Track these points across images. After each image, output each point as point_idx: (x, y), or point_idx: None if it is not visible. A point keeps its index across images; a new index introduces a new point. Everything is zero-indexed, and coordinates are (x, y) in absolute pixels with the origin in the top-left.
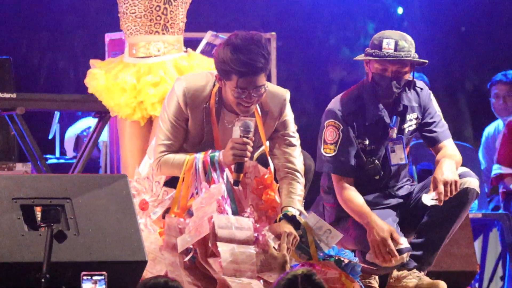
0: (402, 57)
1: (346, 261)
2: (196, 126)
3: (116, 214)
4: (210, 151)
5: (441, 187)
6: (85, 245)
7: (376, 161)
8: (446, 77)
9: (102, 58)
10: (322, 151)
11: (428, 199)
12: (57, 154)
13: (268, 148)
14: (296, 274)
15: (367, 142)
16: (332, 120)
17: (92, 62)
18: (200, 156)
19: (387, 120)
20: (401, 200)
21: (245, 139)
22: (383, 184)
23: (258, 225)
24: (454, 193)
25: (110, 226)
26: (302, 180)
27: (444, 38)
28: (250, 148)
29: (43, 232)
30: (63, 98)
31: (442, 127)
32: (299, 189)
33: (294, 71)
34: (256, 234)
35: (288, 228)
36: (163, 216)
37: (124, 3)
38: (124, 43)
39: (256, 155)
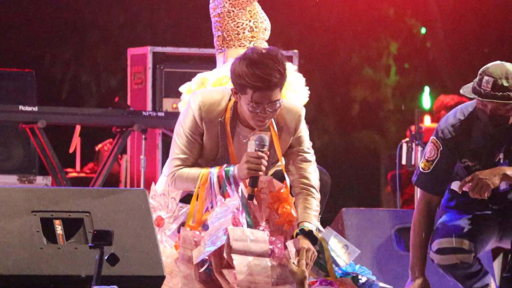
0: (497, 98)
1: (363, 279)
2: (211, 140)
3: (135, 228)
4: (225, 165)
5: (468, 179)
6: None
7: None
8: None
9: (124, 72)
10: (420, 165)
11: (457, 185)
12: (78, 168)
13: (283, 164)
14: None
15: (471, 164)
16: (435, 138)
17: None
18: (215, 170)
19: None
20: (498, 218)
21: (260, 153)
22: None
23: (273, 238)
24: (479, 194)
25: (128, 240)
26: (317, 195)
27: (467, 58)
28: (265, 162)
29: (62, 245)
30: (84, 112)
31: None
32: (314, 204)
33: (316, 89)
34: (271, 247)
35: (306, 243)
36: (178, 230)
37: (238, 20)
38: (148, 57)
39: (271, 171)
